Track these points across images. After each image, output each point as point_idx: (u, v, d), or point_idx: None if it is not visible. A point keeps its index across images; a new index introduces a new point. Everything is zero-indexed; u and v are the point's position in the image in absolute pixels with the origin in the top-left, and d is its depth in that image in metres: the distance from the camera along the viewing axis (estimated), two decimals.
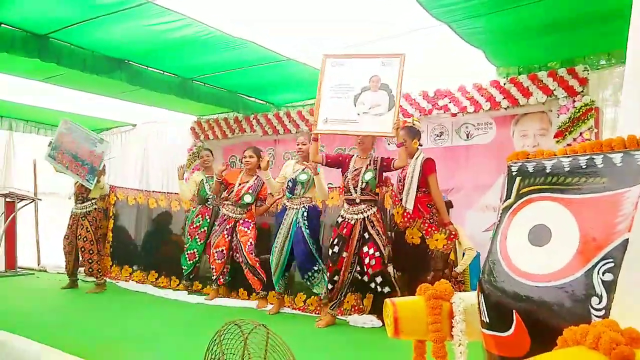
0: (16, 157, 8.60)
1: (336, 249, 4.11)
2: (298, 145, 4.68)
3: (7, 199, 7.41)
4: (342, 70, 4.01)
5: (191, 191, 5.89)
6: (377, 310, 4.25)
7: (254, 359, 1.85)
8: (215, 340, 1.97)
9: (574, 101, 4.89)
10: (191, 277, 5.83)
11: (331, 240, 4.21)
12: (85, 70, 5.37)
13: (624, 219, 1.08)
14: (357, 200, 4.09)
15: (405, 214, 4.26)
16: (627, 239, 1.06)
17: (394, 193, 4.51)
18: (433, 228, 4.15)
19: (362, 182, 4.08)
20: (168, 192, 6.89)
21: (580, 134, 4.80)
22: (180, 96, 6.38)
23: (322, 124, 3.97)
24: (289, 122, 7.06)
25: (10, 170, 8.56)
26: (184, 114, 8.06)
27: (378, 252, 3.99)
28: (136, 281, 6.40)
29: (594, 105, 4.82)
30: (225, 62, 5.71)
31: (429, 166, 4.20)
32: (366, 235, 4.05)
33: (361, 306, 4.50)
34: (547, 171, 1.22)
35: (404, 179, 4.31)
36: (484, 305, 1.29)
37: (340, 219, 4.18)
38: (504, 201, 1.31)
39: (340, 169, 4.31)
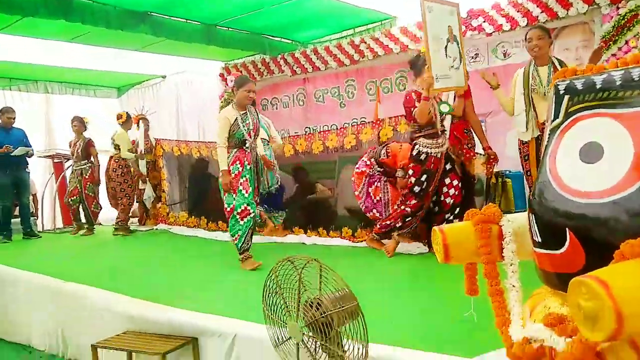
0: (55, 119, 8.84)
1: (424, 185, 4.01)
2: None
3: (55, 160, 7.73)
4: (432, 17, 3.64)
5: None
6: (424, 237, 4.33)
7: (310, 290, 1.95)
8: (270, 276, 2.07)
9: (618, 8, 4.59)
10: None
11: (415, 177, 4.04)
12: (110, 26, 5.39)
13: None
14: (439, 133, 4.01)
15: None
16: None
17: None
18: (472, 154, 4.11)
19: (440, 114, 3.98)
20: (208, 142, 6.99)
21: (626, 42, 4.53)
22: (206, 43, 6.34)
23: (436, 82, 3.61)
24: (317, 59, 6.94)
25: (52, 133, 8.84)
26: (212, 60, 8.02)
27: (459, 183, 4.03)
28: (189, 226, 6.76)
29: (639, 10, 4.51)
30: (247, 4, 5.60)
31: (465, 91, 4.10)
32: (448, 166, 4.05)
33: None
34: (598, 87, 1.18)
35: None
36: (536, 225, 1.30)
37: (423, 155, 4.00)
38: (552, 122, 1.28)
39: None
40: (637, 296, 0.93)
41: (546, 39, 3.83)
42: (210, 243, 5.72)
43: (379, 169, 4.56)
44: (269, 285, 2.06)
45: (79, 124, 6.97)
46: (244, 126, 4.18)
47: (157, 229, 7.00)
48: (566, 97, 1.26)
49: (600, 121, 1.17)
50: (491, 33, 5.39)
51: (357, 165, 4.68)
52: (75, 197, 6.96)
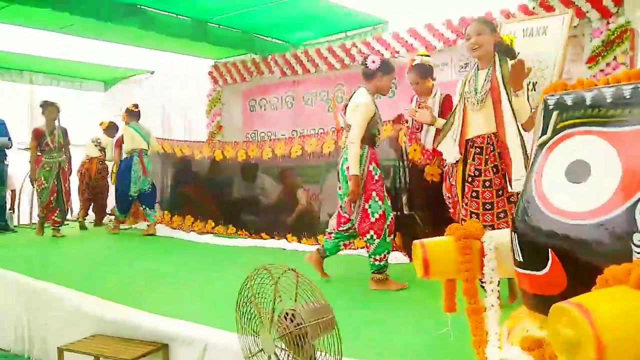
0: (39, 111, 8.65)
1: None
2: None
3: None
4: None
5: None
6: (405, 247, 4.30)
7: (285, 300, 1.88)
8: (246, 284, 2.01)
9: (608, 23, 4.60)
10: None
11: None
12: (99, 17, 5.30)
13: None
14: None
15: (424, 151, 4.16)
16: None
17: (409, 130, 4.35)
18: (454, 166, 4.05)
19: None
20: (193, 141, 6.90)
21: (615, 58, 4.54)
22: (196, 40, 6.26)
23: None
24: (307, 61, 6.87)
25: (35, 124, 8.66)
26: (201, 58, 7.93)
27: None
28: (172, 227, 6.68)
29: (629, 26, 4.53)
30: (239, 2, 5.54)
31: (447, 103, 4.05)
32: None
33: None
34: (588, 103, 1.14)
35: None
36: (518, 244, 1.26)
37: None
38: (540, 137, 1.24)
39: None
40: (619, 325, 0.88)
41: (487, 35, 2.91)
42: (189, 245, 5.62)
43: None
44: (244, 294, 1.99)
45: (53, 109, 6.15)
46: (380, 120, 3.67)
47: (136, 227, 6.88)
48: (555, 113, 1.21)
49: (588, 139, 1.13)
50: None
51: None
52: (55, 196, 6.18)
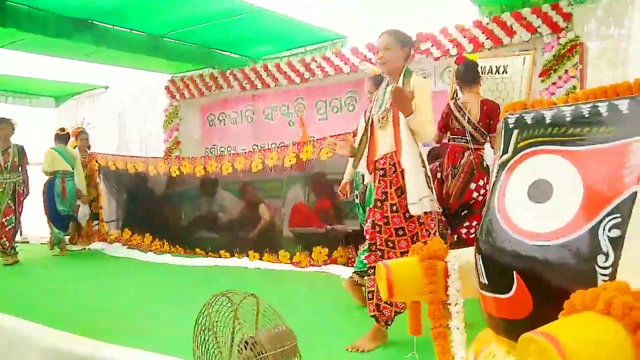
0: None
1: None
2: None
3: None
4: None
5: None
6: None
7: (245, 327, 1.80)
8: (203, 312, 1.91)
9: (559, 37, 4.76)
10: None
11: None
12: (47, 33, 5.10)
13: (631, 171, 0.99)
14: None
15: None
16: (636, 192, 0.98)
17: None
18: None
19: None
20: (147, 157, 6.73)
21: (566, 71, 4.70)
22: (151, 55, 6.12)
23: None
24: (267, 75, 6.84)
25: None
26: (157, 72, 7.75)
27: None
28: (129, 246, 6.42)
29: (578, 40, 4.70)
30: (196, 16, 5.44)
31: None
32: None
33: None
34: (547, 122, 1.13)
35: None
36: (482, 266, 1.23)
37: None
38: (501, 156, 1.22)
39: None
40: (588, 354, 0.85)
41: (396, 50, 2.70)
42: (144, 266, 5.40)
43: None
44: (201, 322, 1.90)
45: (8, 127, 5.81)
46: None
47: (89, 249, 6.62)
48: (515, 131, 1.19)
49: (549, 158, 1.11)
50: (438, 57, 5.46)
51: None
52: (9, 217, 5.75)
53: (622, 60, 4.79)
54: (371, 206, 2.76)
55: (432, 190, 2.61)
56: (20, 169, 5.89)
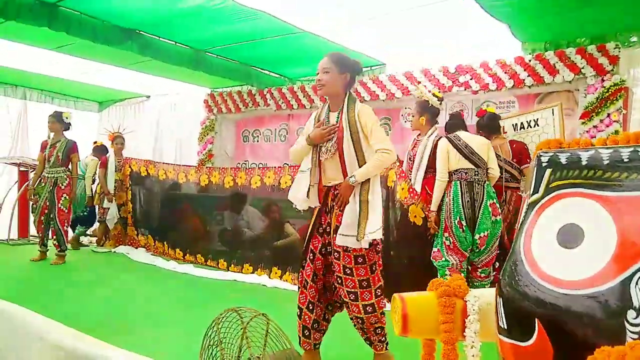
0: (30, 127, 8.58)
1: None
2: None
3: (21, 168, 7.44)
4: None
5: None
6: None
7: (253, 346, 1.76)
8: (212, 326, 1.88)
9: (603, 80, 4.63)
10: None
11: None
12: (96, 40, 5.25)
13: None
14: None
15: (411, 189, 4.08)
16: None
17: (401, 169, 4.29)
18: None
19: None
20: (179, 164, 6.82)
21: (608, 115, 4.56)
22: (193, 68, 6.23)
23: None
24: (304, 96, 6.89)
25: (25, 140, 8.56)
26: (197, 86, 7.93)
27: None
28: (153, 253, 6.50)
29: (623, 84, 4.56)
30: (238, 34, 5.53)
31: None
32: None
33: None
34: (583, 163, 1.07)
35: (415, 157, 4.14)
36: (502, 310, 1.16)
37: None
38: (531, 195, 1.16)
39: None
40: None
41: (334, 74, 2.65)
42: (167, 275, 5.41)
43: None
44: (210, 336, 1.87)
45: (56, 120, 5.76)
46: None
47: (114, 251, 6.71)
48: (548, 171, 1.14)
49: (583, 202, 1.06)
50: (477, 91, 5.39)
51: None
52: (47, 213, 5.67)
53: None
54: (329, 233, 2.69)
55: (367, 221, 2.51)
56: (66, 165, 5.78)
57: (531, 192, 1.17)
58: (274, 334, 1.73)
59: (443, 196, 3.83)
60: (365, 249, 2.52)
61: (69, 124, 5.92)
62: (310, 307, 2.66)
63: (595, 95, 4.63)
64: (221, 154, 7.86)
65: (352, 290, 2.54)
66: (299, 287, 2.76)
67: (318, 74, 2.68)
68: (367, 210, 2.50)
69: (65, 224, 5.79)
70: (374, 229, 2.48)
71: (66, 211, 5.73)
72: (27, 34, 5.39)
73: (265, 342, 1.73)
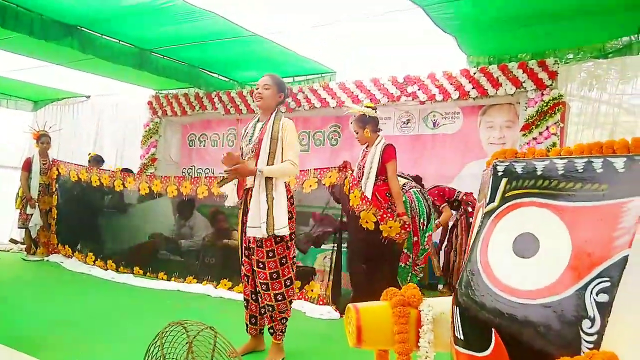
0: None
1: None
2: None
3: None
4: None
5: None
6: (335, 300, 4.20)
7: None
8: (155, 341, 1.77)
9: (543, 94, 4.85)
10: None
11: None
12: (33, 35, 4.95)
13: (623, 233, 0.94)
14: None
15: (362, 196, 4.10)
16: (627, 255, 0.93)
17: (353, 178, 4.30)
18: (388, 215, 4.01)
19: None
20: (113, 170, 6.45)
21: (547, 127, 4.77)
22: (137, 68, 6.00)
23: None
24: (253, 101, 6.78)
25: None
26: (141, 87, 7.64)
27: None
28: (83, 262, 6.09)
29: (561, 99, 4.79)
30: (186, 34, 5.38)
31: (387, 153, 4.05)
32: None
33: (324, 296, 4.40)
34: (538, 173, 1.08)
35: (364, 167, 4.17)
36: (459, 320, 1.15)
37: None
38: (487, 205, 1.16)
39: None
40: None
41: (272, 90, 3.01)
42: (104, 285, 5.13)
43: None
44: (152, 352, 1.76)
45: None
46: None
47: (47, 260, 6.28)
48: (504, 180, 1.14)
49: (538, 212, 1.06)
50: (424, 101, 5.51)
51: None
52: None
53: (602, 122, 4.90)
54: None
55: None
56: None
57: (487, 201, 1.17)
58: (221, 347, 1.65)
59: None
60: (276, 243, 2.84)
61: None
62: (254, 297, 3.00)
63: (535, 108, 4.84)
64: (165, 158, 7.61)
65: (264, 281, 2.86)
66: (242, 282, 3.08)
67: (258, 88, 3.03)
68: (272, 205, 2.79)
69: None
70: (282, 226, 2.78)
71: None
72: None
73: (212, 357, 1.65)
